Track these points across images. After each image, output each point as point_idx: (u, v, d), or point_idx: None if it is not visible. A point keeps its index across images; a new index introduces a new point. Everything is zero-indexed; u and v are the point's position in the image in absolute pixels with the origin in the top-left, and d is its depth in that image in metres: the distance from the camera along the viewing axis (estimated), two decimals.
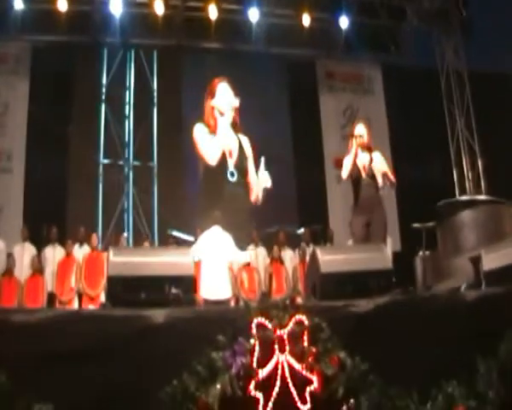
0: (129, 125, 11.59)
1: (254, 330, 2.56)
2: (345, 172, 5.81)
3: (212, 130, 3.94)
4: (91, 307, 8.11)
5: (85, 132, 11.19)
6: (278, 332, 2.58)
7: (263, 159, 3.95)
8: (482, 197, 8.55)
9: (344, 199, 7.60)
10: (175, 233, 8.28)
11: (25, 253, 8.88)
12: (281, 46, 12.02)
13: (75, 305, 8.60)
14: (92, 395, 2.56)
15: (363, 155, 5.84)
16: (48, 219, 9.33)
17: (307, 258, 6.40)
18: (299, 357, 2.57)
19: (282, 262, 9.46)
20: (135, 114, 11.61)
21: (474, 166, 12.09)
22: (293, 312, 2.64)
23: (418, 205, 8.29)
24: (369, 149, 5.87)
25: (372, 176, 5.80)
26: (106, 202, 11.03)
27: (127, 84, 11.75)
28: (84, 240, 9.16)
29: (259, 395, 2.48)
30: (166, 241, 8.81)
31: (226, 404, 2.44)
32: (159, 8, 11.06)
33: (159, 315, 2.78)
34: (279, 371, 2.52)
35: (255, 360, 2.51)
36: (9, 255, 8.70)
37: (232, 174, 3.91)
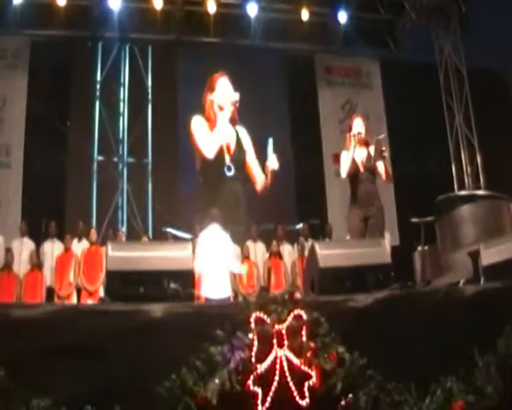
0: (123, 121, 11.55)
1: (253, 325, 2.55)
2: (344, 171, 5.78)
3: (211, 124, 3.93)
4: (90, 301, 8.12)
5: (82, 128, 11.18)
6: (277, 327, 2.58)
7: (271, 140, 3.90)
8: (481, 192, 8.56)
9: (342, 194, 7.58)
10: (170, 230, 8.25)
11: (23, 248, 8.86)
12: (279, 41, 12.03)
13: (74, 300, 8.58)
14: (91, 390, 2.56)
15: (361, 151, 5.82)
16: (46, 213, 9.33)
17: (306, 253, 6.38)
18: (298, 352, 2.57)
19: (280, 257, 9.47)
20: (129, 111, 11.58)
21: (472, 160, 12.09)
22: (291, 307, 2.64)
23: (417, 199, 8.32)
24: (366, 143, 5.85)
25: (370, 171, 5.79)
26: (100, 199, 11.02)
27: (122, 80, 11.71)
28: (83, 235, 9.16)
29: (258, 390, 2.48)
30: (161, 238, 8.76)
31: (225, 399, 2.44)
32: (157, 3, 11.03)
33: (157, 310, 2.77)
34: (278, 366, 2.52)
35: (254, 354, 2.51)
36: (8, 250, 8.67)
37: (229, 168, 3.90)
